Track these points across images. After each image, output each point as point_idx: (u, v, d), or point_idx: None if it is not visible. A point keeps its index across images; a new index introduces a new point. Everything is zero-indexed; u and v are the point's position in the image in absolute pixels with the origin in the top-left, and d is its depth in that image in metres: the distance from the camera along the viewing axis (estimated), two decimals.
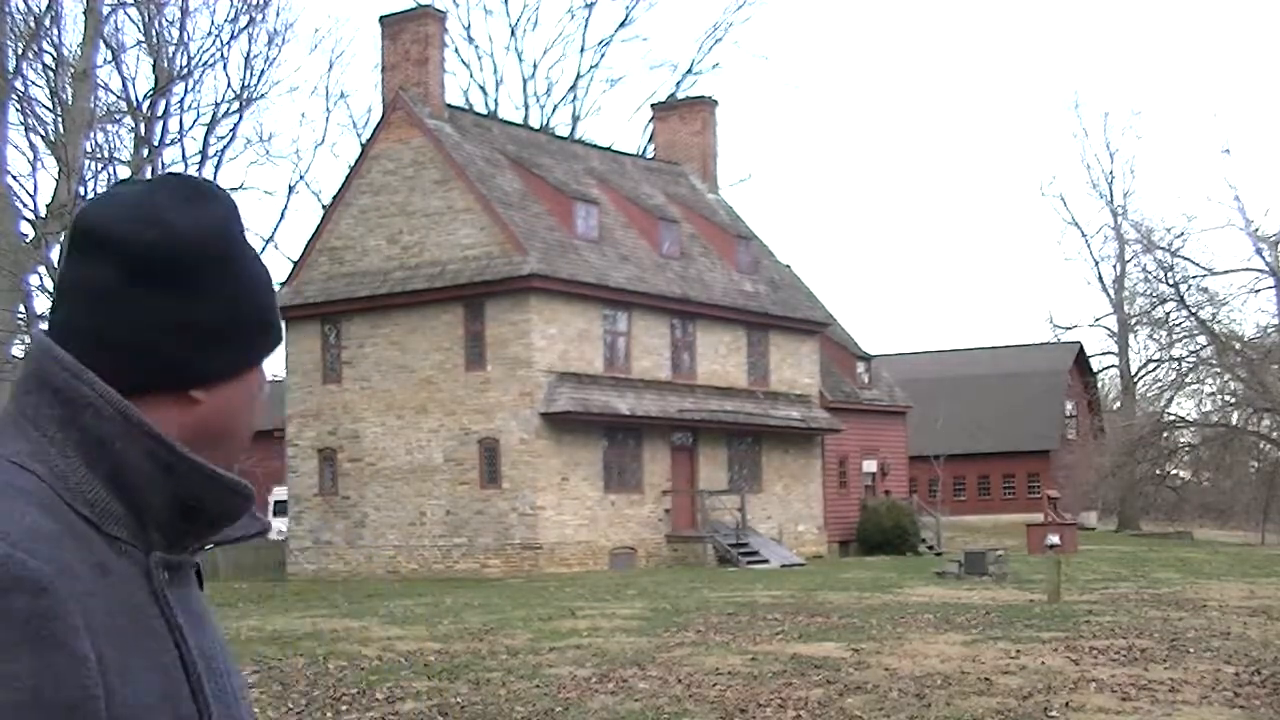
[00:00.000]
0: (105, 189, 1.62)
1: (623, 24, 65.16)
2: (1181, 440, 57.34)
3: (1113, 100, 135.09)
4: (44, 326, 1.55)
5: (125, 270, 1.47)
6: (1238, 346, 52.71)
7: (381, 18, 37.76)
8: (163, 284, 1.48)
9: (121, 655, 1.39)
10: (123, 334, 1.48)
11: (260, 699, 12.26)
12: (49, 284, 35.07)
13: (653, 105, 48.96)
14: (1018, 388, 65.63)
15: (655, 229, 39.25)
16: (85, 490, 1.44)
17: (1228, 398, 57.11)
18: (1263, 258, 55.22)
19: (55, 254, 34.72)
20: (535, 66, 69.72)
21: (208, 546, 1.58)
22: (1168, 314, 56.87)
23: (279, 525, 39.71)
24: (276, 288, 1.44)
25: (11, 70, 35.13)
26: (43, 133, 37.22)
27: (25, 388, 1.49)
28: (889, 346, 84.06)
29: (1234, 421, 55.84)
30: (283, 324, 1.64)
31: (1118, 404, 69.27)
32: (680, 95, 52.81)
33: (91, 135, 38.14)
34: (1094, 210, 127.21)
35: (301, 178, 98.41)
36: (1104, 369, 71.63)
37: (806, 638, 16.25)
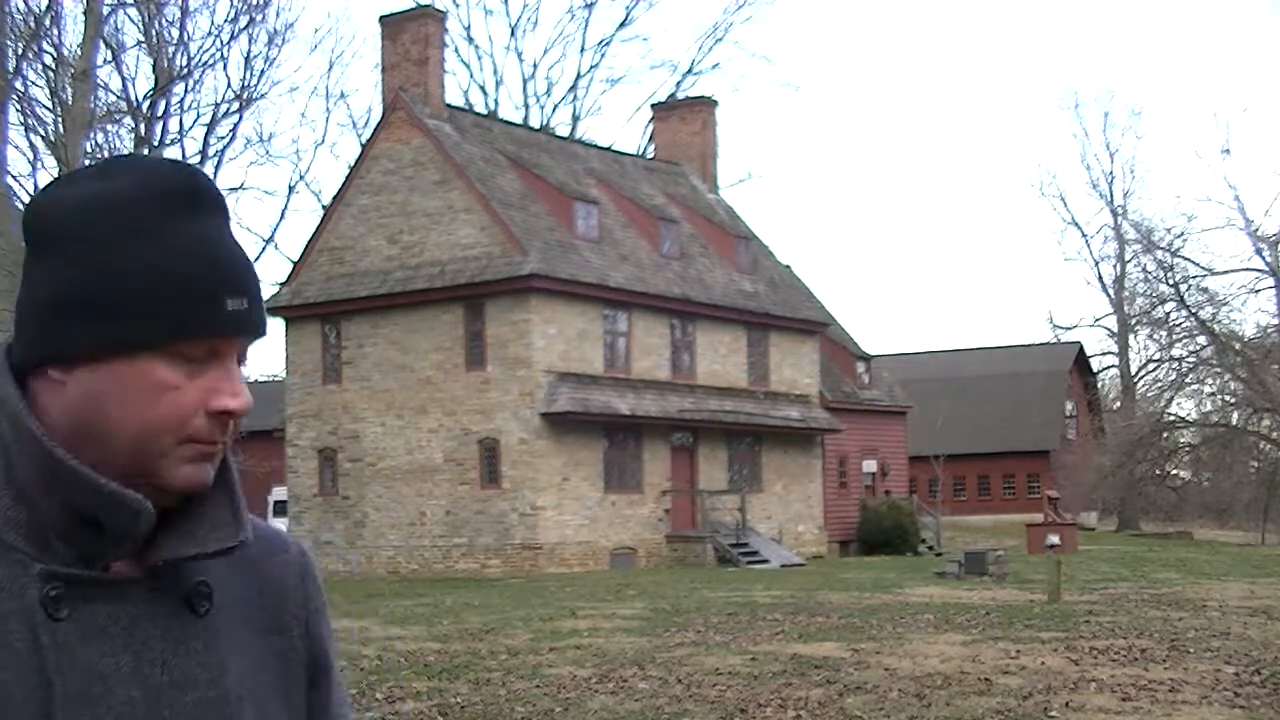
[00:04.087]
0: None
1: (623, 24, 65.22)
2: (1181, 440, 57.32)
3: (1113, 100, 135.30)
4: None
5: (27, 243, 1.44)
6: (1238, 346, 52.68)
7: (381, 18, 37.76)
8: (37, 253, 1.42)
9: None
10: (18, 307, 1.43)
11: None
12: None
13: (653, 105, 48.95)
14: (1018, 388, 65.61)
15: (655, 229, 39.25)
16: None
17: (1228, 398, 57.10)
18: (1263, 258, 55.27)
19: None
20: (535, 66, 69.67)
21: (159, 562, 1.43)
22: (1168, 314, 56.90)
23: (279, 525, 39.64)
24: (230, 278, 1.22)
25: (11, 70, 35.10)
26: (43, 133, 37.19)
27: None
28: (889, 346, 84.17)
29: (1234, 421, 55.81)
30: (210, 314, 1.40)
31: (1118, 404, 69.26)
32: (680, 95, 52.79)
33: (91, 135, 38.08)
34: (1094, 210, 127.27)
35: (301, 178, 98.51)
36: (1104, 369, 71.68)
37: (806, 638, 16.24)
